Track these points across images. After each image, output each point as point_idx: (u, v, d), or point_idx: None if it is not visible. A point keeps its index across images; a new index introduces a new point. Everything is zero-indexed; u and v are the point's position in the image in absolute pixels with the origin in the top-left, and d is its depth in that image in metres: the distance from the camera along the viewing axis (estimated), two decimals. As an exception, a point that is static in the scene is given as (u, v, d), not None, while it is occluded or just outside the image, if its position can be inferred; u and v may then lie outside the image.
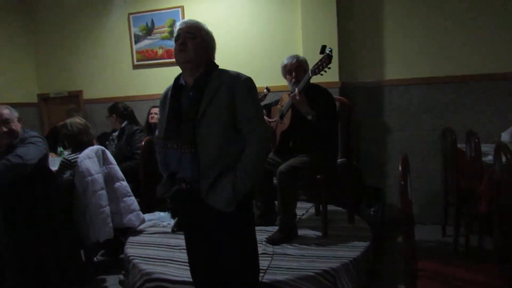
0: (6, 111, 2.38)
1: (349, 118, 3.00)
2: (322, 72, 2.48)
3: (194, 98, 1.71)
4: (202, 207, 1.70)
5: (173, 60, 4.54)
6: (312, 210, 3.23)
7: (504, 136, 3.12)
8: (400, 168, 1.59)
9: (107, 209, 2.72)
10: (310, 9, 3.70)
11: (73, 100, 4.88)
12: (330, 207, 3.02)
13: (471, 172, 2.74)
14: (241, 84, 1.71)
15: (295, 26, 3.88)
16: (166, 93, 1.84)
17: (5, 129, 2.34)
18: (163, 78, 4.29)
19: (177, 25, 1.78)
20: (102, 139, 4.09)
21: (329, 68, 2.45)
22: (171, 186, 1.80)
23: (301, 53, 3.62)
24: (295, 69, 2.73)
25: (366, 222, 2.98)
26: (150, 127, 4.11)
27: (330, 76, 3.07)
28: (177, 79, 1.82)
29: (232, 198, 1.65)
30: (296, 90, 2.54)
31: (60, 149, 3.71)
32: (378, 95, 3.79)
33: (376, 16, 3.73)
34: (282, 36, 3.96)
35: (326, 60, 2.42)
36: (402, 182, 1.55)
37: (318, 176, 2.65)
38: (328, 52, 2.42)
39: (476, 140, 2.60)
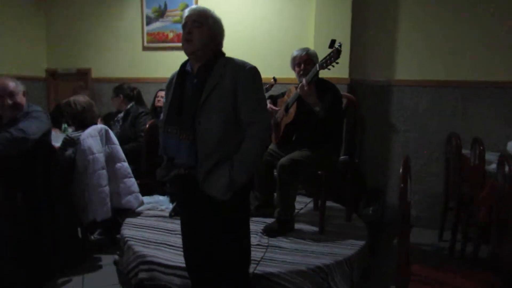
0: (12, 84, 2.38)
1: (355, 116, 2.98)
2: (330, 67, 2.45)
3: (197, 85, 1.71)
4: (198, 193, 1.71)
5: (183, 44, 4.28)
6: (311, 205, 3.23)
7: (510, 146, 3.08)
8: (401, 170, 1.58)
9: (106, 188, 2.74)
10: (325, 2, 3.64)
11: (82, 77, 4.88)
12: (329, 203, 3.01)
13: (473, 179, 2.72)
14: (245, 73, 1.69)
15: (308, 19, 3.82)
16: (172, 78, 1.85)
17: (10, 102, 2.34)
18: (172, 62, 4.17)
19: (185, 12, 1.76)
20: (107, 119, 4.09)
21: (337, 63, 2.42)
22: (170, 170, 1.81)
23: (312, 47, 3.58)
24: (304, 61, 2.71)
25: (364, 221, 2.98)
26: (156, 110, 4.10)
27: (339, 72, 3.05)
28: (184, 65, 1.82)
29: (228, 187, 1.66)
30: (304, 81, 2.52)
31: (64, 125, 3.72)
32: (387, 94, 3.75)
33: (391, 14, 3.66)
34: (294, 28, 3.91)
35: (334, 54, 2.39)
36: (402, 184, 1.54)
37: (319, 172, 2.65)
38: (337, 47, 2.38)
39: (481, 148, 2.57)
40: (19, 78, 2.52)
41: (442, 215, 3.34)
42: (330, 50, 2.40)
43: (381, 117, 3.77)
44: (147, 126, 3.37)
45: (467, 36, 3.48)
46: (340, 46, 2.38)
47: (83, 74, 4.88)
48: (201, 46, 1.70)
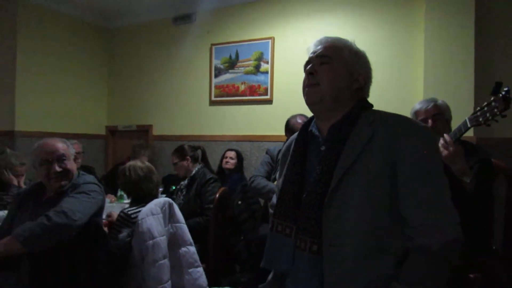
0: (61, 146, 1.86)
1: (509, 191, 2.15)
2: (491, 122, 1.69)
3: (327, 156, 1.05)
4: None
5: (256, 98, 3.72)
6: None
7: None
8: None
9: (168, 285, 2.06)
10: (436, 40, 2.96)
11: (142, 135, 4.48)
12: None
13: None
14: (413, 138, 1.01)
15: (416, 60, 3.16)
16: (289, 145, 1.20)
17: (58, 169, 1.80)
18: (243, 118, 3.72)
19: (310, 47, 1.16)
20: (168, 183, 3.54)
21: (504, 116, 1.66)
22: None
23: (421, 95, 2.88)
24: (433, 117, 1.98)
25: None
26: (223, 173, 3.50)
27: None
28: (307, 124, 1.16)
29: None
30: (448, 138, 1.77)
31: (120, 192, 3.16)
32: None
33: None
34: (398, 71, 3.25)
35: (500, 104, 1.63)
36: None
37: (471, 275, 1.81)
38: (504, 93, 1.64)
39: None
40: (78, 136, 2.00)
41: None
42: (492, 98, 1.66)
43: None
44: (216, 196, 2.73)
45: None
46: (508, 92, 1.63)
47: (144, 132, 4.48)
48: (331, 89, 1.07)
